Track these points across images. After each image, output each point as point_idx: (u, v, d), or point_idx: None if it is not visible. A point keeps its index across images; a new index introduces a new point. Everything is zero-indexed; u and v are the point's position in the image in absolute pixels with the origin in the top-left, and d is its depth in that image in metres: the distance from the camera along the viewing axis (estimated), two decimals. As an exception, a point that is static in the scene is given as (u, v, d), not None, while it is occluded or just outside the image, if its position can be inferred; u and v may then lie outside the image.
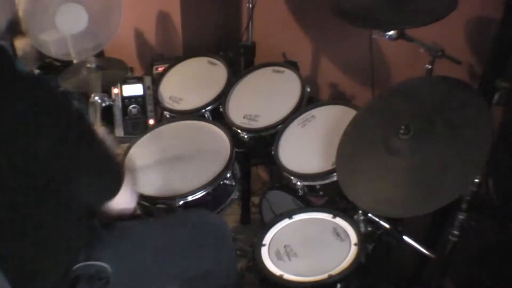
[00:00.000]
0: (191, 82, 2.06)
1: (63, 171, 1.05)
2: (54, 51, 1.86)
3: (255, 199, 2.22)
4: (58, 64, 2.29)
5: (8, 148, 0.98)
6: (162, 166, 1.71)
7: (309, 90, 1.85)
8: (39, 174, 1.02)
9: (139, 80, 2.29)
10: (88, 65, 1.95)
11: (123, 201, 1.23)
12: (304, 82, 1.86)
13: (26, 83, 1.01)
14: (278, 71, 1.97)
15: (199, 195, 1.56)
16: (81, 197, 1.14)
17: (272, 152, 1.72)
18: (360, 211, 1.54)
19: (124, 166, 1.23)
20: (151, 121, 2.28)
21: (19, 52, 2.31)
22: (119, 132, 2.27)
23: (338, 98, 2.26)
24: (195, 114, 1.91)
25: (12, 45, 2.25)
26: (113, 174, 1.19)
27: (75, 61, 1.93)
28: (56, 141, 1.01)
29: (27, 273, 1.12)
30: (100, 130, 1.44)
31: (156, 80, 2.12)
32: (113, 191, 1.18)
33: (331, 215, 1.53)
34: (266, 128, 1.78)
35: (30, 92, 0.99)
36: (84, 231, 1.21)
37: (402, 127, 1.31)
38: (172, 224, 1.43)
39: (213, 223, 1.47)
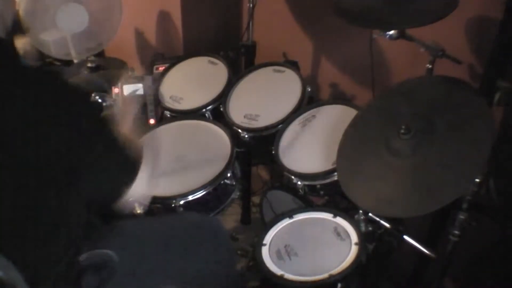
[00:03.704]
0: (191, 81, 2.06)
1: (74, 162, 1.03)
2: (54, 50, 1.87)
3: (256, 199, 2.22)
4: (58, 63, 2.29)
5: (19, 141, 0.97)
6: (162, 166, 1.71)
7: (309, 89, 1.85)
8: (50, 166, 1.01)
9: (139, 79, 2.28)
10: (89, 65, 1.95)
11: (137, 190, 1.17)
12: (304, 81, 1.86)
13: (36, 75, 1.00)
14: (278, 71, 1.96)
15: (199, 194, 1.57)
16: (93, 191, 1.11)
17: (273, 152, 1.72)
18: (361, 211, 1.54)
19: (142, 155, 1.17)
20: (152, 121, 2.28)
21: (20, 51, 2.31)
22: (120, 131, 2.27)
23: (339, 98, 2.25)
24: (195, 113, 1.91)
25: (13, 45, 2.26)
26: (126, 165, 1.14)
27: (75, 61, 1.93)
28: (67, 131, 1.00)
29: (29, 265, 1.12)
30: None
31: (157, 80, 2.12)
32: (127, 182, 1.14)
33: (332, 215, 1.53)
34: (267, 128, 1.78)
35: (40, 83, 0.99)
36: (84, 230, 1.21)
37: (403, 127, 1.30)
38: (170, 225, 1.43)
39: (211, 225, 1.46)
